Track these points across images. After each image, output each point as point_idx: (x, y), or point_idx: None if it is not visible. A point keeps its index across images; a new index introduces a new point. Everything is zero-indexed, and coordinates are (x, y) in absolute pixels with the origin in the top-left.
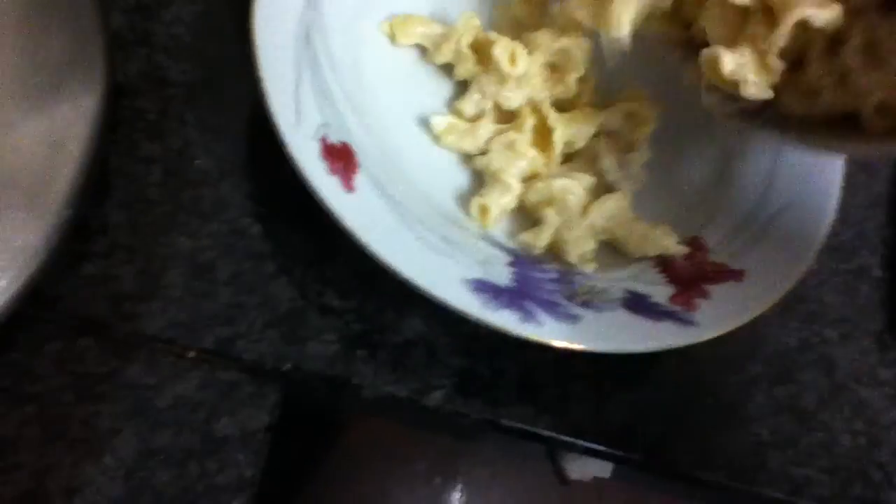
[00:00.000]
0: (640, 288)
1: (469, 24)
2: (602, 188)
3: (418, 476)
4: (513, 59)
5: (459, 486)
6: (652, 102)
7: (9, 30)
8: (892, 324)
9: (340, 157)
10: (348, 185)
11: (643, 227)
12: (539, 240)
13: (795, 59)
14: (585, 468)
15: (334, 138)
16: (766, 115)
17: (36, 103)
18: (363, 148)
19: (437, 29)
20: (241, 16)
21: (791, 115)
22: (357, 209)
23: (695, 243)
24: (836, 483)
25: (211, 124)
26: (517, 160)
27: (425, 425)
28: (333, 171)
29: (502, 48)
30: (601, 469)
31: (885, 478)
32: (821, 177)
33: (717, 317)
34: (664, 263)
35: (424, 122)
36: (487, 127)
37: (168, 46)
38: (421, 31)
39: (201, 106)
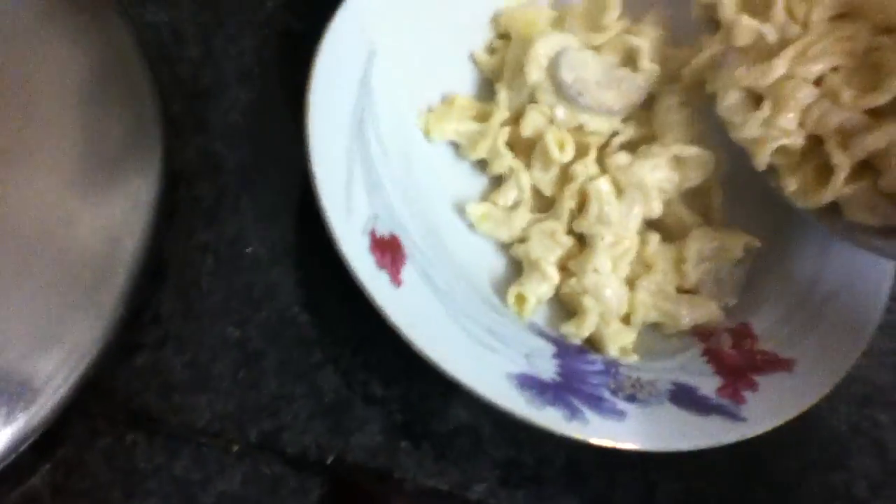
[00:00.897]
0: (687, 379)
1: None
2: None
3: None
4: (562, 146)
5: None
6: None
7: (69, 118)
8: None
9: (388, 250)
10: (396, 278)
11: (686, 297)
12: (581, 330)
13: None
14: None
15: (383, 230)
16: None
17: (95, 195)
18: (410, 236)
19: (471, 126)
20: (294, 100)
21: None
22: (404, 304)
23: (743, 330)
24: None
25: (264, 210)
26: (556, 249)
27: None
28: (381, 264)
29: (553, 135)
30: None
31: None
32: (872, 260)
33: (765, 411)
34: (711, 353)
35: (463, 210)
36: (524, 216)
37: (224, 133)
38: (454, 129)
39: (255, 191)
